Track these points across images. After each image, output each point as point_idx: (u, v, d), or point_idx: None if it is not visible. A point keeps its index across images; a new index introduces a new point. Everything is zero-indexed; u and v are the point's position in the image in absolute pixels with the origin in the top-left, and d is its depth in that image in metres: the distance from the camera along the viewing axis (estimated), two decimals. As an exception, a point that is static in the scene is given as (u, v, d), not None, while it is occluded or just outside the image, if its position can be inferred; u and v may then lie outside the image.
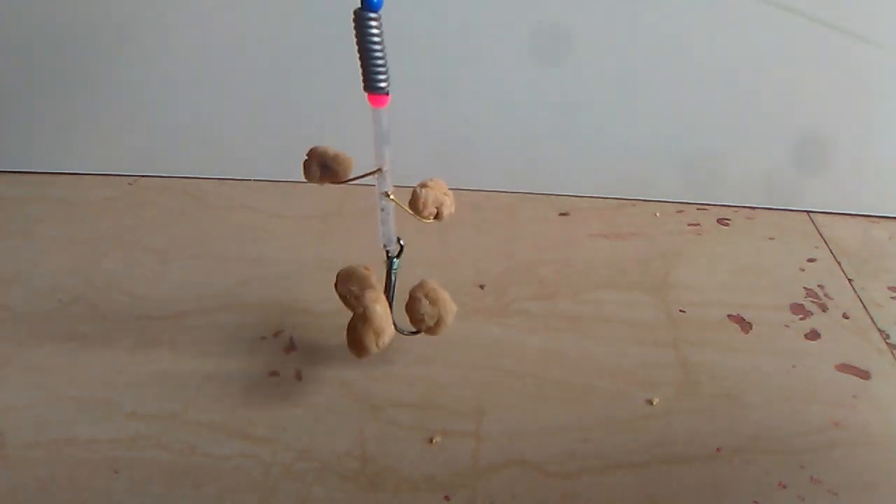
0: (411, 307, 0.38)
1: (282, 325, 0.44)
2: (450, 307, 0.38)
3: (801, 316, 0.46)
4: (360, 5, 0.30)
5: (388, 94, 0.33)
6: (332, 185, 0.38)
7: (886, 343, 0.44)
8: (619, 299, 0.47)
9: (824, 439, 0.37)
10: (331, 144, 0.55)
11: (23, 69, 0.55)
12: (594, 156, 0.56)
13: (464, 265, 0.49)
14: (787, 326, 0.45)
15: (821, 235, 0.54)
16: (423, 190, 0.36)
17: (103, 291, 0.47)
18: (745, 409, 0.39)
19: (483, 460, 0.36)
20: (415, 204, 0.36)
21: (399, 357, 0.42)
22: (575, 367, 0.41)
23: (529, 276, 0.49)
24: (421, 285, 0.38)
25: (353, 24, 0.31)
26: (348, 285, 0.40)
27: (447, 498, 0.34)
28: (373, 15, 0.30)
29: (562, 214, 0.56)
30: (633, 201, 0.57)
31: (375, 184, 0.36)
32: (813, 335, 0.44)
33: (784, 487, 0.35)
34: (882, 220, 0.56)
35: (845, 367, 0.42)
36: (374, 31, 0.31)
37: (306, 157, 0.38)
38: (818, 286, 0.49)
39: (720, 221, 0.55)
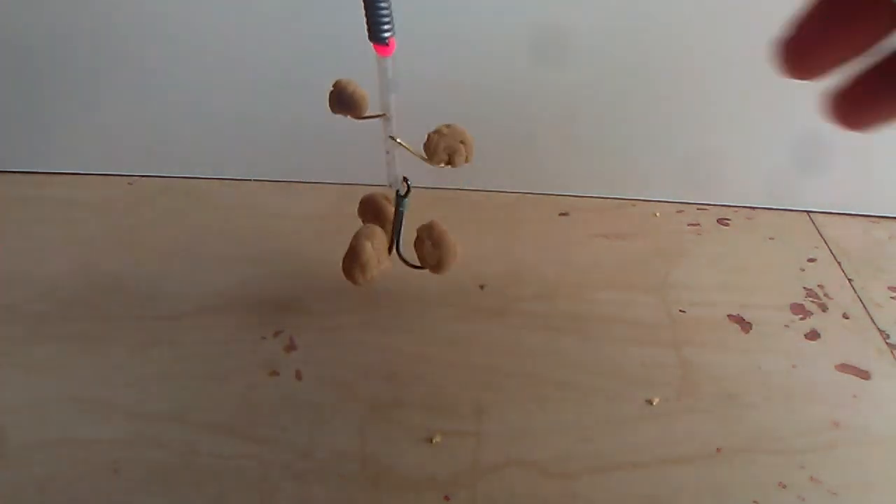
0: (417, 246, 0.40)
1: (282, 325, 0.44)
2: (452, 250, 0.39)
3: (801, 316, 0.46)
4: None
5: (392, 38, 0.32)
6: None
7: (886, 343, 0.44)
8: (619, 299, 0.47)
9: (824, 439, 0.37)
10: (331, 144, 0.55)
11: (23, 69, 0.54)
12: (594, 156, 0.56)
13: (464, 265, 0.48)
14: (787, 326, 0.45)
15: (821, 235, 0.54)
16: (435, 136, 0.37)
17: (103, 291, 0.47)
18: (745, 409, 0.39)
19: (483, 460, 0.36)
20: (426, 149, 0.37)
21: (399, 357, 0.42)
22: (575, 367, 0.41)
23: (529, 276, 0.49)
24: (428, 226, 0.40)
25: None
26: (364, 213, 0.42)
27: (447, 498, 0.34)
28: None
29: (562, 214, 0.56)
30: (633, 201, 0.57)
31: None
32: (813, 335, 0.44)
33: (784, 487, 0.35)
34: (882, 220, 0.56)
35: (845, 367, 0.42)
36: None
37: (331, 88, 0.38)
38: (818, 286, 0.49)
39: (720, 221, 0.55)
